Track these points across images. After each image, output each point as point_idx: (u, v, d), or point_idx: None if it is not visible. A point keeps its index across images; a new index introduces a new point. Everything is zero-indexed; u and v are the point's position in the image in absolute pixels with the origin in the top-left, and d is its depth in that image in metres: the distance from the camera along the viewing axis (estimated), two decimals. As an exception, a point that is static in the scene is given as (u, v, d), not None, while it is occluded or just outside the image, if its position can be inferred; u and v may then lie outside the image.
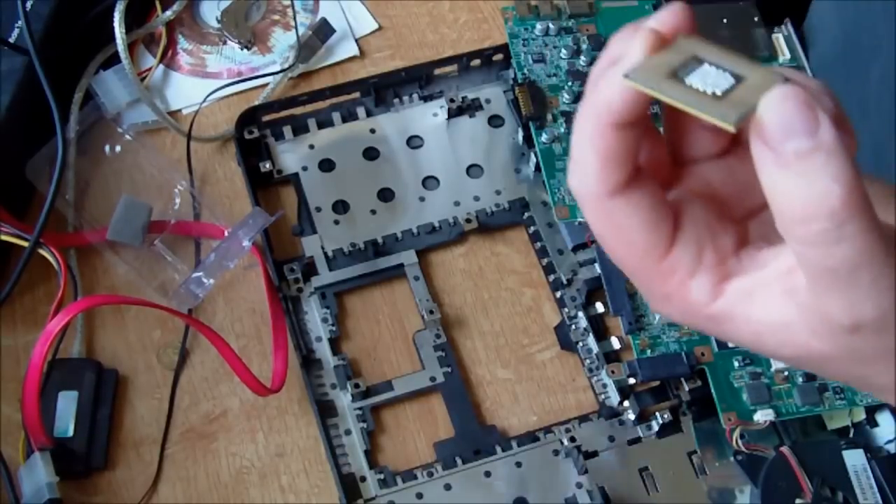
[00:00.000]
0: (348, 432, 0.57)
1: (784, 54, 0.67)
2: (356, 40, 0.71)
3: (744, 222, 0.34)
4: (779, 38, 0.68)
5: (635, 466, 0.57)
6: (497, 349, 0.60)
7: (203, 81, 0.68)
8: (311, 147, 0.65)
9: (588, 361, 0.60)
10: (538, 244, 0.63)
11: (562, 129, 0.63)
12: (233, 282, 0.61)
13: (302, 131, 0.65)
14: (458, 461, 0.56)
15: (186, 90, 0.68)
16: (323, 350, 0.59)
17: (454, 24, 0.72)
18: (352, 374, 0.58)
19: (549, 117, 0.63)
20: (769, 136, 0.28)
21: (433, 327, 0.60)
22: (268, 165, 0.63)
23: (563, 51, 0.65)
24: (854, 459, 0.55)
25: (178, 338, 0.59)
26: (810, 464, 0.54)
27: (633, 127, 0.31)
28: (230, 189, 0.64)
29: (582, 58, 0.65)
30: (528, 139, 0.64)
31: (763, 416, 0.55)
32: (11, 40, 0.61)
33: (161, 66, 0.69)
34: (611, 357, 0.60)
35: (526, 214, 0.64)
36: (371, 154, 0.65)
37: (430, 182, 0.65)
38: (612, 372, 0.58)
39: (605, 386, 0.59)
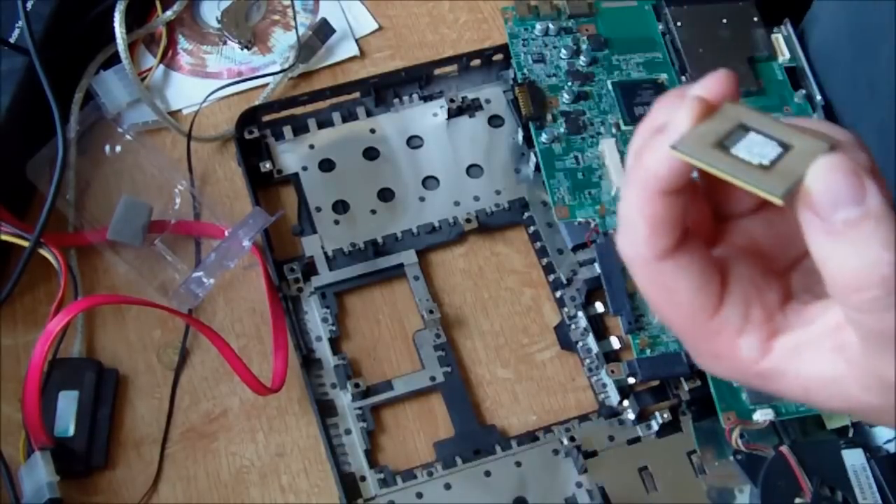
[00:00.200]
0: (348, 432, 0.57)
1: (784, 54, 0.67)
2: (356, 40, 0.71)
3: (786, 274, 0.34)
4: (778, 38, 0.68)
5: (635, 466, 0.57)
6: (497, 349, 0.60)
7: (203, 81, 0.68)
8: (311, 147, 0.65)
9: (588, 361, 0.60)
10: (538, 244, 0.63)
11: (561, 129, 0.63)
12: (233, 282, 0.61)
13: (302, 131, 0.65)
14: (458, 461, 0.56)
15: (187, 90, 0.68)
16: (323, 350, 0.59)
17: (454, 24, 0.72)
18: (352, 374, 0.58)
19: (549, 117, 0.63)
20: (818, 206, 0.29)
21: (433, 327, 0.60)
22: (268, 165, 0.63)
23: (563, 51, 0.65)
24: (853, 459, 0.55)
25: (179, 338, 0.59)
26: (810, 463, 0.54)
27: (680, 193, 0.31)
28: (230, 189, 0.64)
29: (582, 58, 0.65)
30: (527, 139, 0.64)
31: (762, 415, 0.55)
32: (12, 40, 0.61)
33: (161, 66, 0.69)
34: (610, 357, 0.60)
35: (526, 214, 0.64)
36: (371, 154, 0.65)
37: (430, 182, 0.65)
38: (612, 371, 0.58)
39: (604, 385, 0.59)
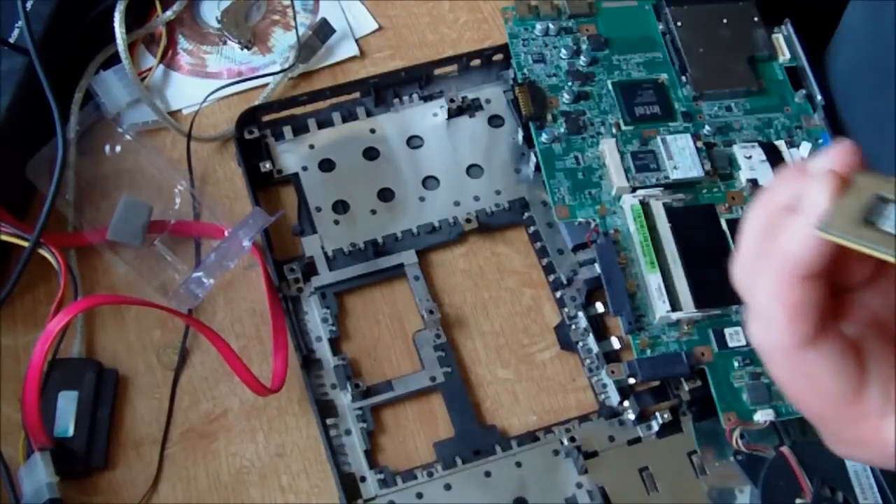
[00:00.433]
0: (348, 432, 0.57)
1: (784, 54, 0.67)
2: (356, 40, 0.71)
3: None
4: (779, 38, 0.68)
5: (635, 466, 0.57)
6: (497, 349, 0.60)
7: (203, 81, 0.68)
8: (311, 147, 0.65)
9: (588, 361, 0.60)
10: (538, 244, 0.63)
11: (562, 129, 0.63)
12: (233, 282, 0.61)
13: (302, 131, 0.65)
14: (458, 461, 0.56)
15: (186, 90, 0.68)
16: (323, 350, 0.59)
17: (454, 24, 0.72)
18: (352, 374, 0.58)
19: (549, 117, 0.63)
20: None
21: (433, 327, 0.60)
22: (268, 165, 0.63)
23: (563, 51, 0.65)
24: (854, 459, 0.55)
25: (178, 338, 0.59)
26: (810, 464, 0.54)
27: (822, 276, 0.30)
28: (230, 189, 0.64)
29: (582, 58, 0.65)
30: (528, 139, 0.64)
31: (763, 416, 0.55)
32: (11, 40, 0.61)
33: (161, 66, 0.69)
34: (611, 357, 0.60)
35: (526, 214, 0.64)
36: (371, 154, 0.65)
37: (430, 182, 0.65)
38: (612, 372, 0.58)
39: (604, 386, 0.59)
